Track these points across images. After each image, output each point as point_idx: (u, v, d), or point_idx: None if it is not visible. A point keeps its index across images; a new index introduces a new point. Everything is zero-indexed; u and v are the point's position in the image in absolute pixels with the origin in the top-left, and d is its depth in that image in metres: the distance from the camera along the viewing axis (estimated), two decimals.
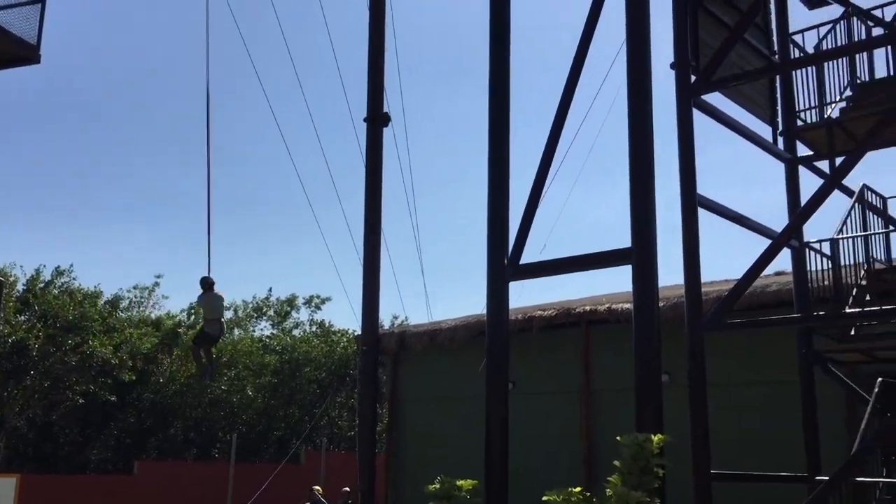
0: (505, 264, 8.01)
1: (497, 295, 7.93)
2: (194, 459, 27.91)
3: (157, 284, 32.43)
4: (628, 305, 14.13)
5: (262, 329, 34.64)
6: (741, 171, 53.96)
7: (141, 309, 31.96)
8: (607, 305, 14.54)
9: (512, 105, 8.51)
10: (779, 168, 10.91)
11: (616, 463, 5.72)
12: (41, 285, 25.47)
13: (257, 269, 55.53)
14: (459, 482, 6.10)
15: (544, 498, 5.82)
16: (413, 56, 52.95)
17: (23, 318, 24.45)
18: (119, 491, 22.40)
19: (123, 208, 52.91)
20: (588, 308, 14.87)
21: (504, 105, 8.41)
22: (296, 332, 33.97)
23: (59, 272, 25.98)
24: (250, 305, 34.56)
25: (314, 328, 34.03)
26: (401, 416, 18.20)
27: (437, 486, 6.23)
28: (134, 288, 32.16)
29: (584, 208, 55.54)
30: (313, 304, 34.94)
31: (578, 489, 5.90)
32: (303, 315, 35.28)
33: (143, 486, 22.68)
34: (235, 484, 22.84)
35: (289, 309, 34.80)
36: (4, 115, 51.60)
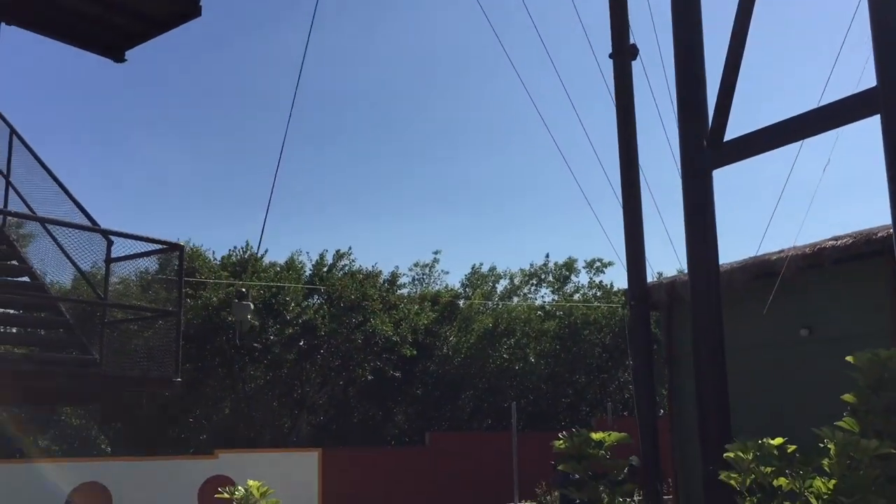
0: (703, 146, 5.88)
1: (696, 191, 5.82)
2: (486, 429, 28.01)
3: (436, 260, 33.03)
4: None
5: (541, 297, 34.08)
6: None
7: (424, 285, 32.70)
8: None
9: None
10: None
11: (845, 397, 4.02)
12: (325, 269, 26.68)
13: (535, 243, 55.69)
14: (595, 435, 4.68)
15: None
16: None
17: (313, 300, 25.78)
18: (413, 461, 22.89)
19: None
20: (893, 231, 12.35)
21: None
22: (576, 297, 33.00)
23: (339, 255, 27.08)
24: (526, 273, 34.08)
25: (595, 291, 32.82)
26: (680, 374, 16.58)
27: (563, 442, 4.74)
28: (415, 265, 33.02)
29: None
30: (594, 267, 33.74)
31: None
32: (583, 279, 34.25)
33: (435, 455, 23.00)
34: (523, 452, 22.40)
35: (567, 273, 33.84)
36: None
